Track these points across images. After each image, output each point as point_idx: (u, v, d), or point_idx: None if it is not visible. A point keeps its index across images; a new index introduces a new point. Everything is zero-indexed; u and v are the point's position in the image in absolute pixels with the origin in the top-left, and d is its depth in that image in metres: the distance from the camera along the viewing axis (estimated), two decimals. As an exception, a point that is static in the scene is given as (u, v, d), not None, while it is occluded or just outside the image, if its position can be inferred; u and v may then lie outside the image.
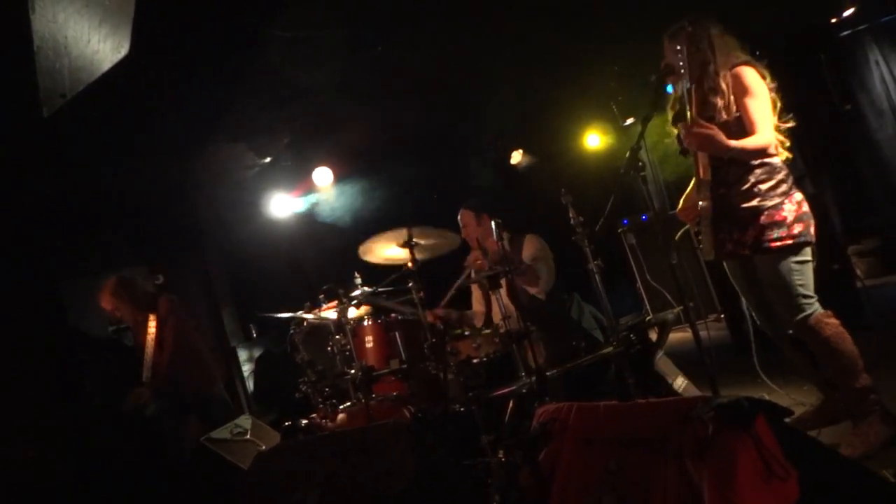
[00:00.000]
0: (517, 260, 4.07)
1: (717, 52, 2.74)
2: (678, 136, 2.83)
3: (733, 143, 2.62)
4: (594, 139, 7.56)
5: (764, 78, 2.72)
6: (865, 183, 6.48)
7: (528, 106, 6.72)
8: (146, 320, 4.43)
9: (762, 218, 2.66)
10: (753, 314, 3.01)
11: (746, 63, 2.72)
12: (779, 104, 2.76)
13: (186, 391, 4.47)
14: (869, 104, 6.32)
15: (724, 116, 2.70)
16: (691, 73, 2.68)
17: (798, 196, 2.71)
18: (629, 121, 7.37)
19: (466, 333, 3.66)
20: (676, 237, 3.20)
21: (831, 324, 2.65)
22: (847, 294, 4.27)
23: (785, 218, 2.65)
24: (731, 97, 2.69)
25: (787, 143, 2.77)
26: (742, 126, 2.67)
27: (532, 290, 4.00)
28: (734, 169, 2.71)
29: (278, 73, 4.71)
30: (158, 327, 4.43)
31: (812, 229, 2.69)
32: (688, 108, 2.67)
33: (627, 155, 2.65)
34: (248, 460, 3.76)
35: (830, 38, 6.03)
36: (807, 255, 2.69)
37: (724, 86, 2.70)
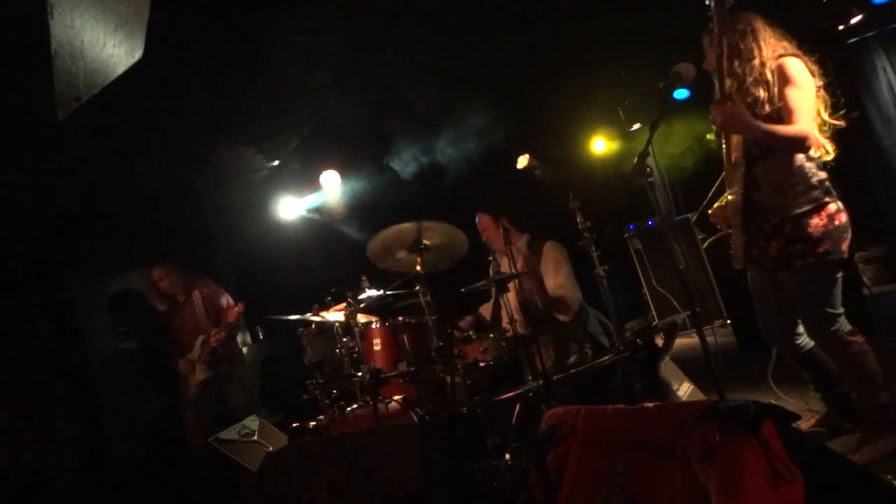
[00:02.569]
0: (535, 267, 4.09)
1: (764, 44, 2.60)
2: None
3: (763, 124, 2.47)
4: (600, 144, 7.58)
5: (813, 75, 2.59)
6: (872, 190, 6.47)
7: (535, 111, 6.75)
8: (189, 297, 4.90)
9: (787, 230, 2.55)
10: (759, 324, 2.94)
11: (794, 55, 2.59)
12: (828, 101, 2.63)
13: (229, 361, 4.91)
14: (876, 111, 6.32)
15: (767, 108, 2.56)
16: (731, 64, 2.58)
17: (833, 207, 2.54)
18: (636, 126, 7.38)
19: (473, 337, 3.68)
20: (706, 245, 3.14)
21: (856, 342, 2.60)
22: (854, 301, 4.27)
23: (810, 234, 2.51)
24: (776, 88, 2.54)
25: (831, 146, 2.63)
26: (783, 118, 2.53)
27: (562, 318, 3.98)
28: (764, 170, 2.59)
29: (287, 77, 4.74)
30: (207, 301, 4.90)
31: (844, 245, 2.54)
32: (717, 85, 2.57)
33: (635, 161, 2.65)
34: (255, 462, 3.79)
35: (838, 44, 6.04)
36: (835, 272, 2.57)
37: (769, 76, 2.56)
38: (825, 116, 2.62)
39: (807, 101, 2.52)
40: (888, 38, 6.18)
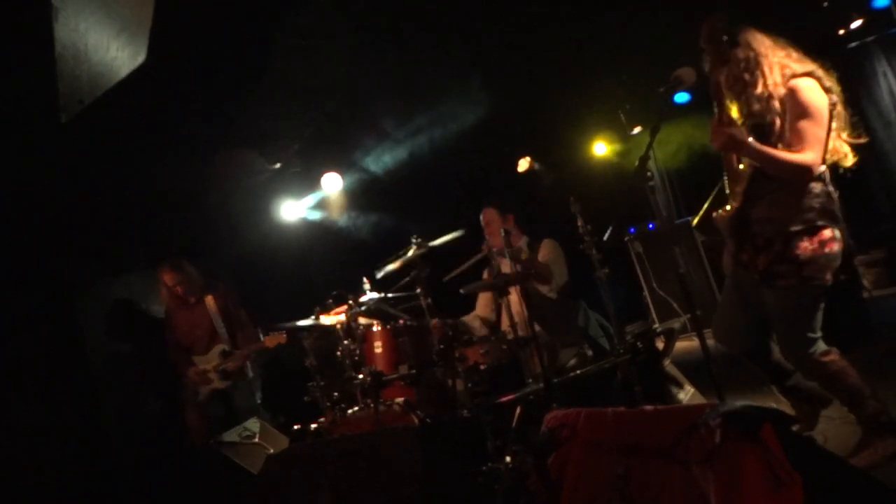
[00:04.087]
0: (535, 263, 4.11)
1: (769, 70, 2.52)
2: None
3: (763, 147, 2.43)
4: (601, 148, 7.58)
5: (829, 92, 2.51)
6: (873, 193, 6.48)
7: (536, 114, 6.76)
8: (200, 300, 4.83)
9: (776, 247, 2.52)
10: (716, 317, 2.92)
11: (806, 74, 2.50)
12: (847, 118, 2.57)
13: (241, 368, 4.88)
14: (876, 115, 6.33)
15: (780, 144, 2.49)
16: (736, 94, 2.54)
17: (827, 234, 2.48)
18: (636, 130, 7.39)
19: (474, 340, 3.70)
20: (695, 222, 3.11)
21: (834, 361, 2.57)
22: (854, 304, 4.28)
23: (797, 256, 2.47)
24: (787, 116, 2.46)
25: (850, 151, 2.57)
26: (792, 147, 2.46)
27: (543, 289, 4.02)
28: (767, 185, 2.52)
29: (288, 80, 4.76)
30: (223, 307, 4.83)
31: (828, 274, 2.49)
32: (714, 105, 2.50)
33: (636, 164, 2.65)
34: (256, 464, 3.80)
35: (838, 49, 6.05)
36: (817, 298, 2.54)
37: (777, 106, 2.48)
38: (844, 137, 2.57)
39: (818, 132, 2.44)
40: (888, 43, 6.19)
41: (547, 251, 4.18)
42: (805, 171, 2.45)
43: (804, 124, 2.44)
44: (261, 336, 4.68)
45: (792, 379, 2.84)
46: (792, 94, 2.48)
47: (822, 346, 2.60)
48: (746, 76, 2.54)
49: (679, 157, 6.73)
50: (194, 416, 4.79)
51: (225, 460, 3.92)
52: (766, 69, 2.53)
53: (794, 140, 2.46)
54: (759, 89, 2.52)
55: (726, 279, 2.87)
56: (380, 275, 3.93)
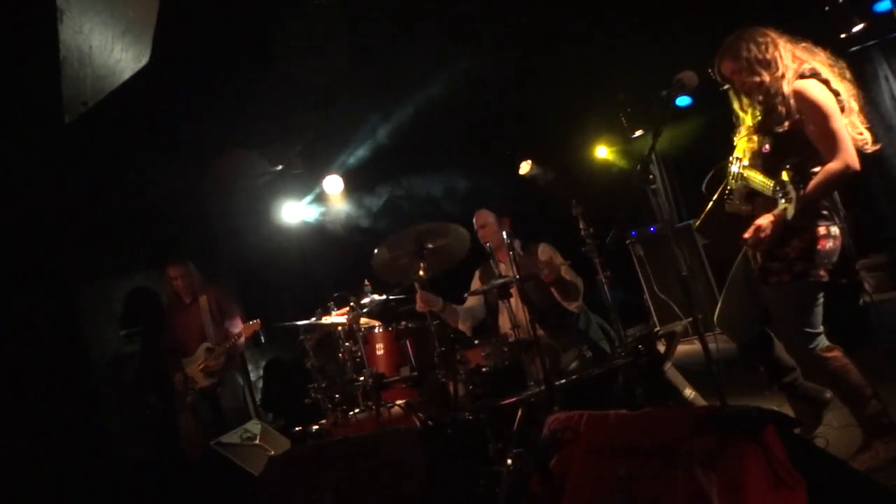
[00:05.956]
0: (533, 266, 4.08)
1: (786, 53, 2.58)
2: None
3: (806, 192, 2.44)
4: (602, 151, 7.60)
5: (837, 94, 2.55)
6: (874, 198, 6.47)
7: (538, 117, 6.77)
8: (195, 300, 4.91)
9: (766, 245, 2.57)
10: (721, 305, 2.93)
11: (813, 76, 2.56)
12: (861, 99, 2.63)
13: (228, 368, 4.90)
14: (878, 120, 6.33)
15: (787, 125, 2.54)
16: (751, 75, 2.58)
17: (821, 231, 2.52)
18: (638, 133, 7.40)
19: (476, 342, 3.69)
20: (697, 225, 3.14)
21: (835, 357, 2.58)
22: (856, 309, 4.28)
23: (787, 254, 2.53)
24: (796, 113, 2.51)
25: (870, 136, 2.61)
26: (804, 139, 2.51)
27: (572, 306, 3.97)
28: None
29: (291, 81, 4.77)
30: (214, 307, 4.89)
31: (822, 270, 2.52)
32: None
33: (638, 167, 2.66)
34: (257, 465, 3.79)
35: (839, 53, 6.05)
36: (813, 294, 2.56)
37: (788, 97, 2.54)
38: (858, 123, 2.60)
39: (838, 127, 2.48)
40: (890, 47, 6.19)
41: (558, 260, 4.05)
42: (849, 172, 2.47)
43: (825, 127, 2.47)
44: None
45: (790, 376, 2.85)
46: (798, 96, 2.52)
47: (824, 341, 2.61)
48: (767, 56, 2.57)
49: (680, 159, 6.72)
50: (187, 420, 4.78)
51: (226, 462, 3.92)
52: (783, 51, 2.58)
53: (823, 147, 2.49)
54: (780, 72, 2.55)
55: (736, 263, 2.87)
56: (377, 251, 3.81)
